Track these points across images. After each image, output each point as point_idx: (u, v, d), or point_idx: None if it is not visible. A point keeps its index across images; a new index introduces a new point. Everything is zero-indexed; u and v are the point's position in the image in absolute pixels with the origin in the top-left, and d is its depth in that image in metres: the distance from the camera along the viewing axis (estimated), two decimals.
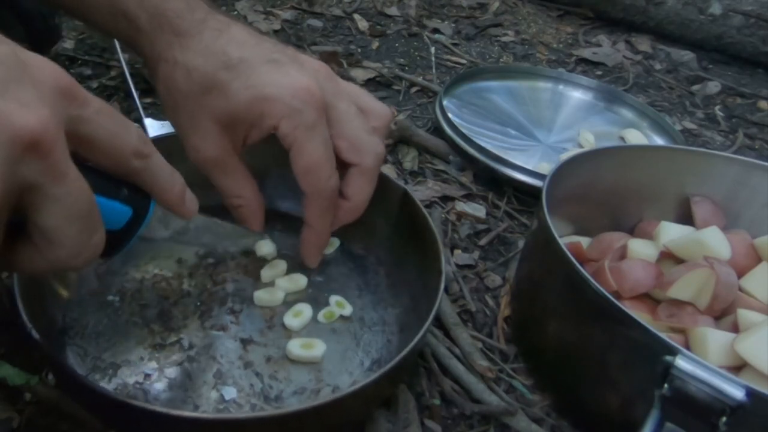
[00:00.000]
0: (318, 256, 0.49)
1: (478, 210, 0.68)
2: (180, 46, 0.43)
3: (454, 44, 1.07)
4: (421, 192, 0.69)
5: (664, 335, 0.38)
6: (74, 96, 0.28)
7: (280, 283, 0.51)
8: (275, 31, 1.01)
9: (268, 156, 0.49)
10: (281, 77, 0.42)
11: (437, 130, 0.79)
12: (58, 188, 0.27)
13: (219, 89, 0.42)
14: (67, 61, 0.82)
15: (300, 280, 0.51)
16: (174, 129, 0.45)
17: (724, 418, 0.36)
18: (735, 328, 0.47)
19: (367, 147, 0.45)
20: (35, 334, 0.37)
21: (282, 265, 0.52)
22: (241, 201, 0.46)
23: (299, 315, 0.48)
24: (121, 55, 0.79)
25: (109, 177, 0.32)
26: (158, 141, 0.45)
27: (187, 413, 0.38)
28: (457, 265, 0.61)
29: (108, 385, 0.42)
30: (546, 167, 0.71)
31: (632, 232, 0.59)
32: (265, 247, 0.52)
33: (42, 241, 0.28)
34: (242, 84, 0.41)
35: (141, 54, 0.46)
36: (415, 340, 0.40)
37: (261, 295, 0.49)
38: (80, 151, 0.29)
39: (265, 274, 0.51)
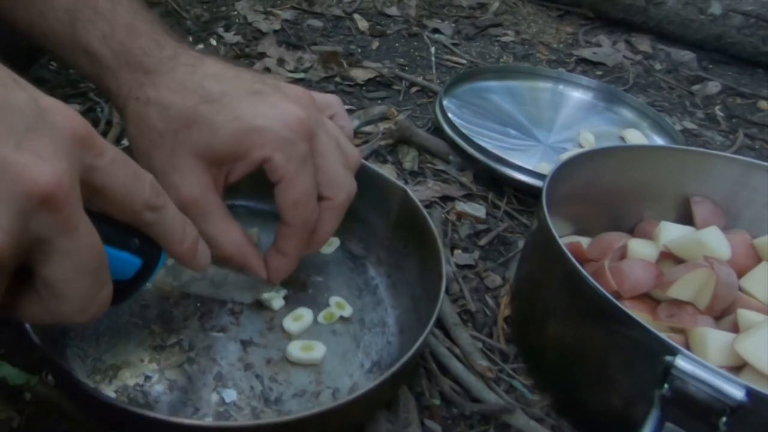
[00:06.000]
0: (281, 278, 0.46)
1: (478, 210, 0.68)
2: (151, 84, 0.41)
3: (454, 44, 1.07)
4: (421, 192, 0.69)
5: (664, 335, 0.38)
6: (91, 145, 0.27)
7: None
8: (275, 31, 1.00)
9: None
10: (269, 108, 0.40)
11: (437, 130, 0.79)
12: (69, 242, 0.26)
13: (202, 123, 0.39)
14: None
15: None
16: (150, 171, 0.41)
17: (724, 418, 0.36)
18: (735, 328, 0.47)
19: (342, 183, 0.43)
20: (34, 337, 0.37)
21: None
22: (231, 248, 0.42)
23: (299, 319, 0.48)
24: None
25: (119, 226, 0.31)
26: None
27: (187, 421, 0.38)
28: (457, 265, 0.60)
29: (108, 387, 0.42)
30: (546, 167, 0.71)
31: (632, 232, 0.59)
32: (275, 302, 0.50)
33: (47, 294, 0.27)
34: (228, 116, 0.39)
35: (105, 90, 0.44)
36: (417, 344, 0.40)
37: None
38: (92, 200, 0.28)
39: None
